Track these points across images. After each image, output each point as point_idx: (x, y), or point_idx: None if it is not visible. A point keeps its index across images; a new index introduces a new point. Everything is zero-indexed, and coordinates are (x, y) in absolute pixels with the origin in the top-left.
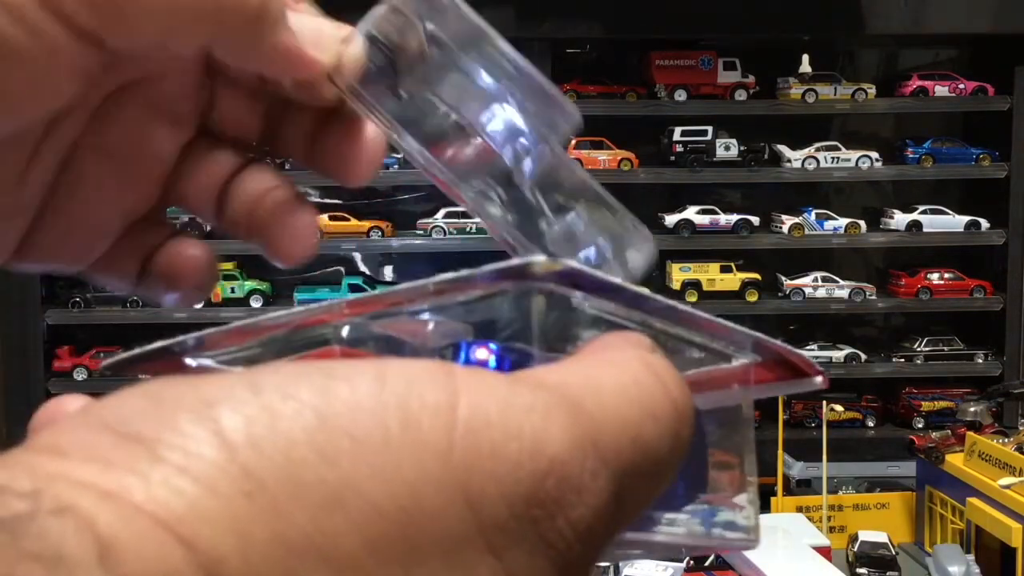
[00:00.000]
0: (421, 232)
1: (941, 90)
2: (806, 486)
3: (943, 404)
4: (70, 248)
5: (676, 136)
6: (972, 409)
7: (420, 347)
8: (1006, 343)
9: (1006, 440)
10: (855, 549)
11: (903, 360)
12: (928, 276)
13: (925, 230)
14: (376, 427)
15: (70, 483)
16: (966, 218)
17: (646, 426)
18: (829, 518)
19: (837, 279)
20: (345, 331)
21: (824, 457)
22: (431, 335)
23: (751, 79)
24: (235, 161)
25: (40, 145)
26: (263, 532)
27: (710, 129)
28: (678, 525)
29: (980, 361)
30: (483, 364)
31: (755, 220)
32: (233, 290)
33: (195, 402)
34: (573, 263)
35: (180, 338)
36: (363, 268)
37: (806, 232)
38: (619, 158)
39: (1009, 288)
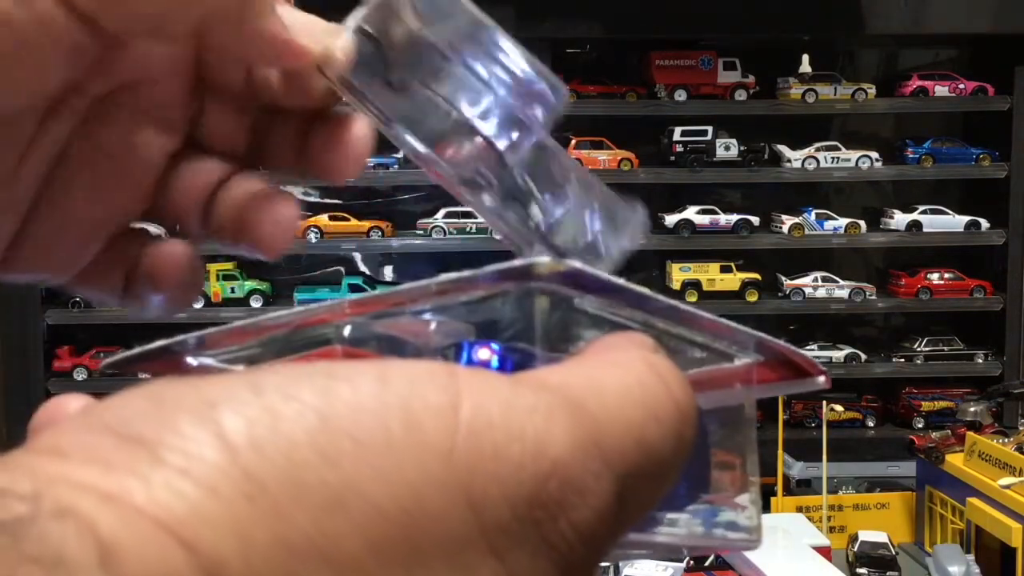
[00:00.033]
0: (421, 232)
1: (941, 90)
2: (806, 486)
3: (943, 404)
4: (56, 255)
5: (676, 136)
6: (972, 409)
7: (422, 347)
8: (1006, 343)
9: (1006, 440)
10: (855, 549)
11: (903, 360)
12: (928, 276)
13: (925, 230)
14: (378, 428)
15: (71, 485)
16: (966, 218)
17: (649, 427)
18: (829, 518)
19: (837, 279)
20: (347, 331)
21: (824, 457)
22: (433, 335)
23: (751, 79)
24: (222, 171)
25: (32, 142)
26: (264, 534)
27: (710, 129)
28: (680, 525)
29: (980, 361)
30: (485, 364)
31: (755, 220)
32: (233, 290)
33: (196, 403)
34: (576, 264)
35: (181, 337)
36: (363, 268)
37: (806, 232)
38: (619, 158)
39: (1009, 288)
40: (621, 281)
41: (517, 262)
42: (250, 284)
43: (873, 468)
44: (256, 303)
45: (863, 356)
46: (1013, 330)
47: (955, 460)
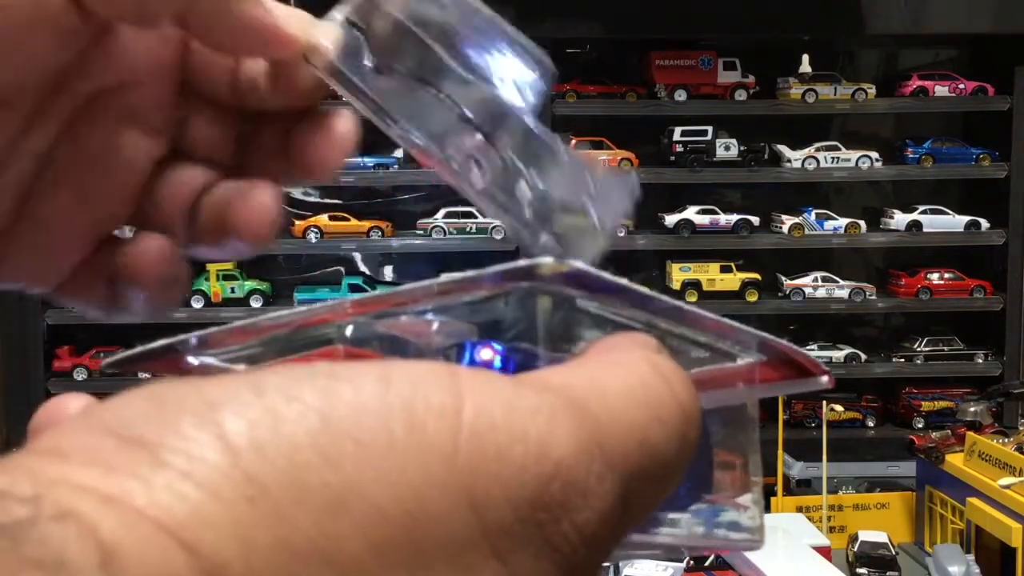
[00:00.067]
0: (421, 232)
1: (941, 90)
2: (806, 486)
3: (943, 404)
4: (40, 262)
5: (676, 136)
6: (972, 409)
7: (424, 347)
8: (1006, 343)
9: (1006, 440)
10: (855, 549)
11: (903, 360)
12: (928, 276)
13: (925, 230)
14: (381, 430)
15: (71, 488)
16: (966, 218)
17: (653, 429)
18: (829, 518)
19: (837, 279)
20: (349, 330)
21: (824, 457)
22: (435, 335)
23: (751, 79)
24: (207, 178)
25: (17, 142)
26: (266, 537)
27: (710, 129)
28: (682, 526)
29: (980, 361)
30: (488, 364)
31: (755, 220)
32: (233, 290)
33: (198, 405)
34: (580, 264)
35: (183, 336)
36: (363, 268)
37: (806, 232)
38: (619, 158)
39: (1009, 288)
40: (624, 281)
41: (520, 262)
42: (250, 284)
43: (873, 468)
44: (256, 303)
45: (863, 356)
46: (1013, 330)
47: (955, 460)
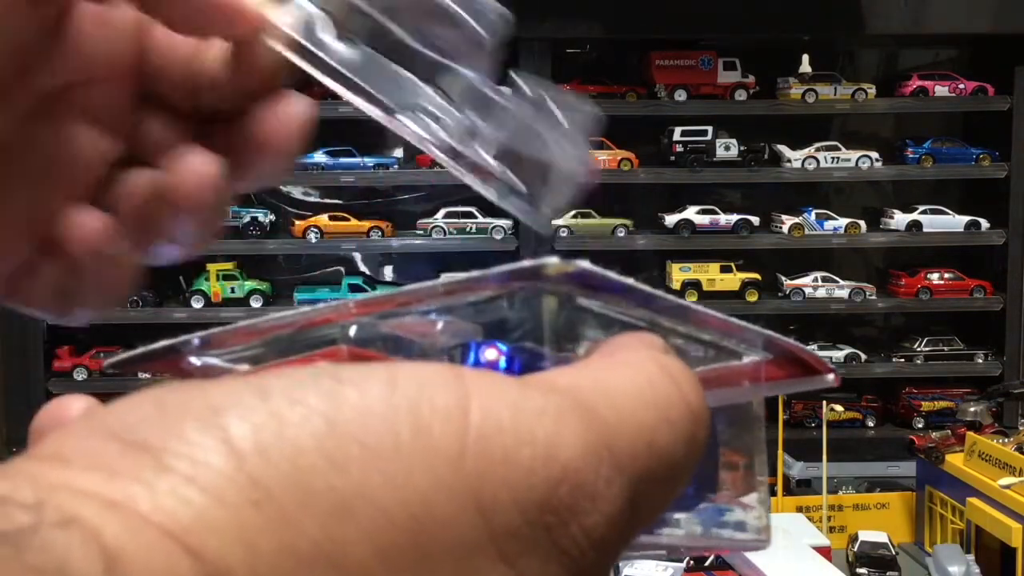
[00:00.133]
0: (421, 232)
1: (941, 90)
2: (806, 486)
3: (943, 404)
4: None
5: (676, 136)
6: (972, 409)
7: (429, 347)
8: (1006, 343)
9: (1006, 440)
10: (855, 549)
11: (903, 360)
12: (928, 276)
13: (925, 230)
14: (386, 433)
15: (73, 493)
16: (966, 218)
17: (661, 430)
18: (829, 518)
19: (837, 279)
20: (353, 331)
21: (824, 457)
22: (440, 335)
23: (751, 79)
24: (159, 180)
25: None
26: (271, 542)
27: (710, 129)
28: (688, 526)
29: (980, 361)
30: (493, 365)
31: (755, 220)
32: (233, 290)
33: (202, 409)
34: (585, 264)
35: (185, 337)
36: (363, 268)
37: (806, 232)
38: (619, 158)
39: (1009, 288)
40: (630, 281)
41: (526, 262)
42: (250, 284)
43: (873, 468)
44: (256, 303)
45: (863, 356)
46: (1013, 330)
47: (955, 460)
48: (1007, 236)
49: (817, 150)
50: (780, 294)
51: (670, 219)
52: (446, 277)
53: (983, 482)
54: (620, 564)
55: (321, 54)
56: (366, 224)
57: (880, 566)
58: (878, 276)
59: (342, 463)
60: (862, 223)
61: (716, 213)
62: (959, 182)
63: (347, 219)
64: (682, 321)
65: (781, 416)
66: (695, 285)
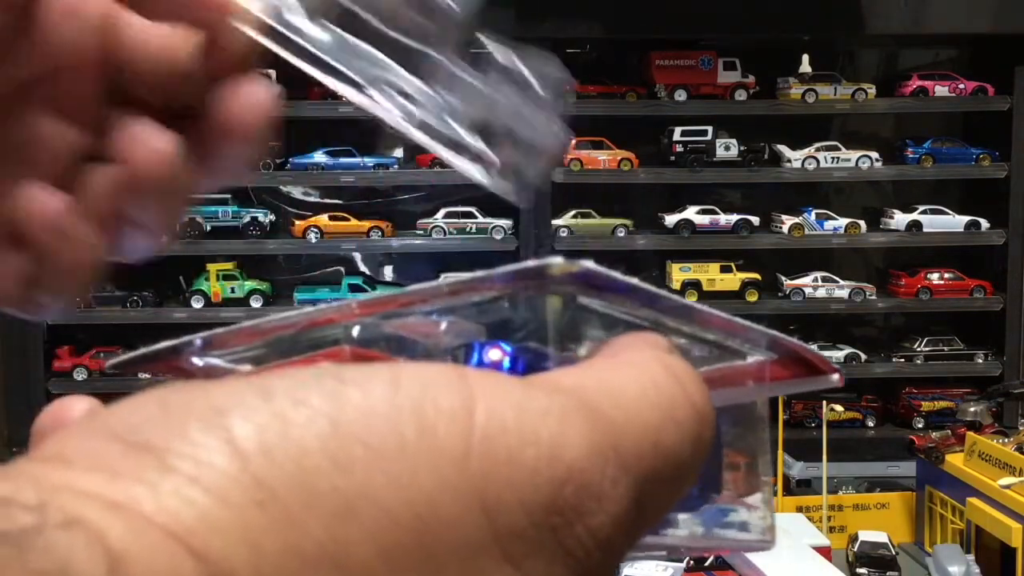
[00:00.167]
0: (421, 232)
1: (941, 90)
2: (806, 486)
3: (943, 404)
4: None
5: (676, 136)
6: (972, 409)
7: (432, 347)
8: (1006, 343)
9: (1006, 440)
10: (855, 549)
11: (903, 360)
12: (928, 276)
13: (925, 230)
14: (391, 433)
15: (76, 494)
16: (966, 218)
17: (667, 430)
18: (829, 518)
19: (837, 279)
20: (356, 331)
21: (824, 457)
22: (444, 335)
23: (751, 79)
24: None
25: None
26: (275, 542)
27: (710, 129)
28: (692, 526)
29: (980, 361)
30: (496, 365)
31: (755, 220)
32: (233, 290)
33: (205, 410)
34: (590, 264)
35: (188, 337)
36: (363, 268)
37: (806, 232)
38: (619, 158)
39: (1009, 288)
40: (634, 280)
41: (530, 263)
42: (250, 284)
43: (873, 468)
44: (256, 303)
45: (863, 356)
46: (1013, 330)
47: (955, 460)
48: (1007, 236)
49: (817, 150)
50: (780, 294)
51: (670, 219)
52: (445, 277)
53: (983, 482)
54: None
55: (293, 36)
56: (366, 224)
57: (880, 566)
58: (878, 276)
59: (346, 464)
60: (862, 223)
61: (716, 213)
62: (959, 182)
63: (347, 219)
64: (686, 321)
65: (781, 416)
66: (695, 285)
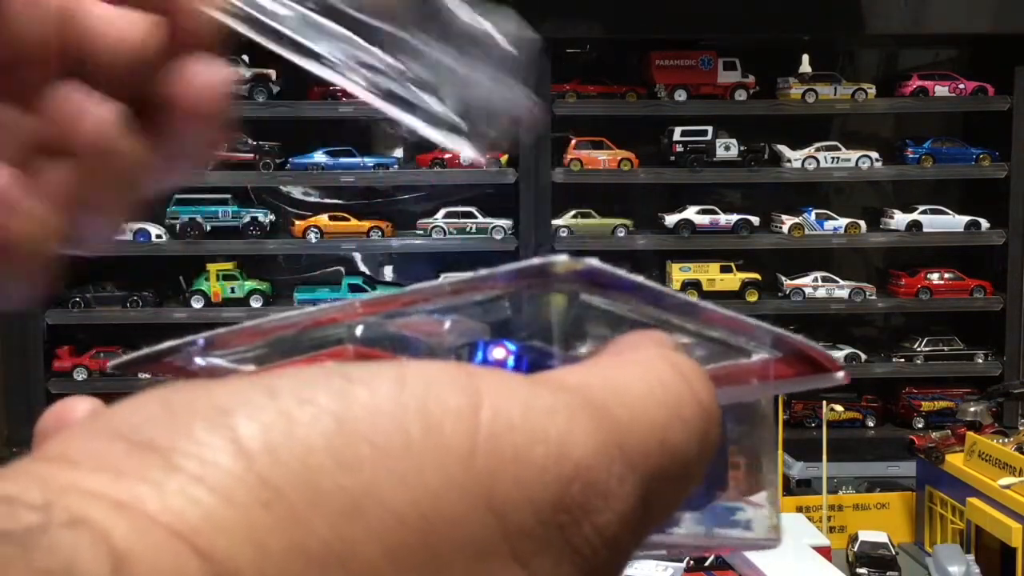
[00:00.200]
0: (421, 232)
1: (941, 90)
2: (806, 486)
3: (943, 404)
4: None
5: (676, 136)
6: (972, 409)
7: (436, 346)
8: (1006, 343)
9: (1006, 440)
10: (855, 549)
11: (903, 360)
12: (928, 276)
13: (925, 230)
14: (396, 432)
15: (81, 494)
16: (966, 218)
17: (673, 428)
18: (829, 518)
19: (837, 279)
20: (359, 330)
21: (824, 457)
22: (448, 334)
23: (751, 79)
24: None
25: None
26: (281, 542)
27: (710, 129)
28: (698, 525)
29: (980, 361)
30: (501, 364)
31: (755, 220)
32: (233, 290)
33: (210, 409)
34: (594, 262)
35: (190, 337)
36: (363, 268)
37: (806, 232)
38: (619, 158)
39: (1009, 288)
40: (639, 278)
41: (534, 260)
42: (250, 284)
43: (873, 468)
44: (256, 303)
45: (863, 356)
46: (1013, 330)
47: (955, 460)
48: (1007, 236)
49: (817, 150)
50: (780, 294)
51: (670, 219)
52: (445, 277)
53: (983, 482)
54: None
55: (256, 14)
56: (366, 224)
57: (880, 566)
58: (878, 276)
59: (352, 462)
60: (862, 223)
61: (716, 213)
62: (959, 182)
63: (347, 219)
64: (691, 319)
65: (781, 416)
66: (695, 285)
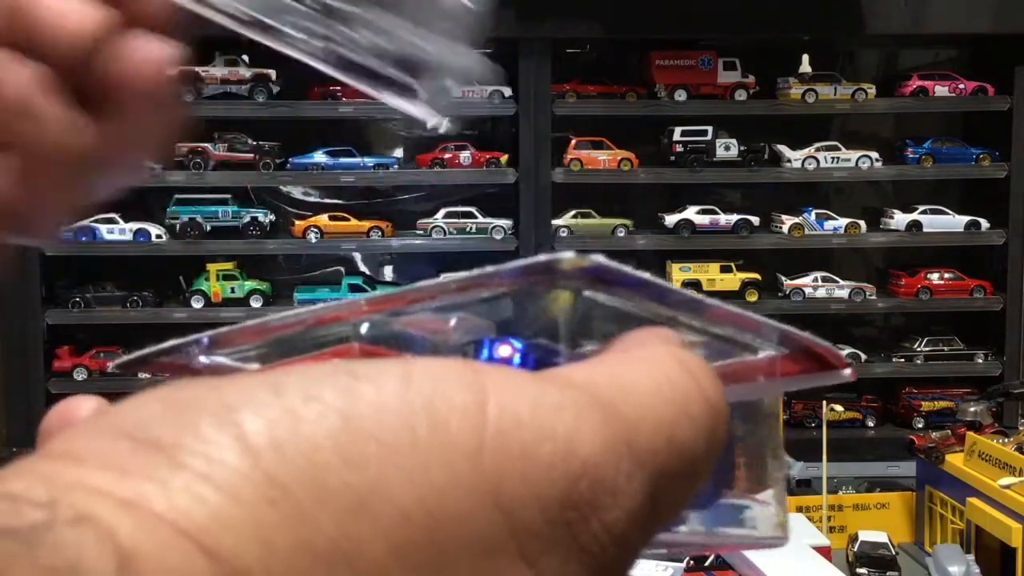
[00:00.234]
0: (421, 232)
1: (941, 90)
2: (806, 486)
3: (943, 404)
4: None
5: (676, 136)
6: (972, 409)
7: (442, 344)
8: (1006, 343)
9: (1006, 440)
10: (855, 549)
11: (903, 360)
12: (928, 276)
13: (925, 230)
14: (403, 429)
15: (87, 491)
16: (966, 218)
17: (681, 425)
18: (829, 518)
19: (837, 279)
20: (364, 328)
21: (824, 457)
22: (453, 332)
23: (751, 79)
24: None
25: None
26: (287, 539)
27: (710, 129)
28: (704, 523)
29: (980, 361)
30: (506, 361)
31: (755, 220)
32: (233, 290)
33: (216, 406)
34: (600, 258)
35: (194, 336)
36: (363, 268)
37: (806, 232)
38: (619, 158)
39: (1009, 288)
40: (645, 275)
41: (540, 257)
42: (250, 284)
43: (873, 468)
44: (256, 303)
45: (863, 356)
46: (1013, 330)
47: (955, 460)
48: (1007, 236)
49: (817, 150)
50: (780, 294)
51: (670, 219)
52: (446, 276)
53: (983, 482)
54: None
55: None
56: (366, 224)
57: (880, 566)
58: (878, 276)
59: (358, 459)
60: (862, 223)
61: (716, 213)
62: (959, 182)
63: (347, 219)
64: (697, 315)
65: (781, 416)
66: (695, 285)
